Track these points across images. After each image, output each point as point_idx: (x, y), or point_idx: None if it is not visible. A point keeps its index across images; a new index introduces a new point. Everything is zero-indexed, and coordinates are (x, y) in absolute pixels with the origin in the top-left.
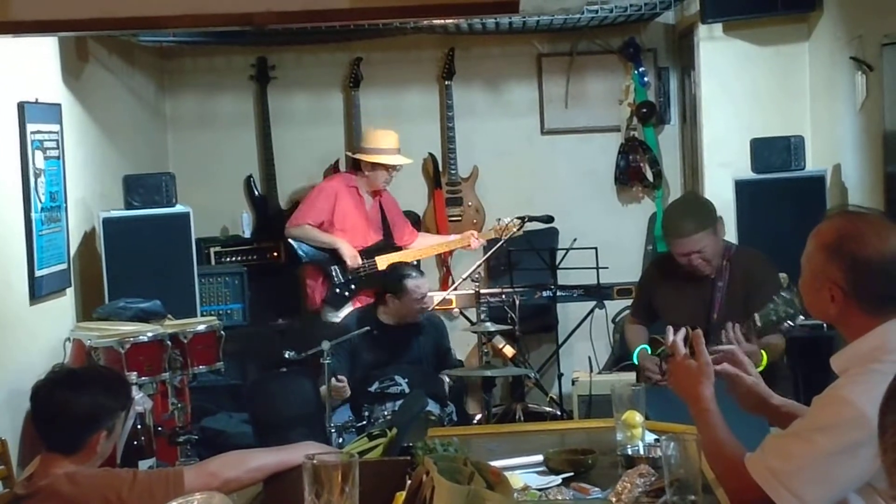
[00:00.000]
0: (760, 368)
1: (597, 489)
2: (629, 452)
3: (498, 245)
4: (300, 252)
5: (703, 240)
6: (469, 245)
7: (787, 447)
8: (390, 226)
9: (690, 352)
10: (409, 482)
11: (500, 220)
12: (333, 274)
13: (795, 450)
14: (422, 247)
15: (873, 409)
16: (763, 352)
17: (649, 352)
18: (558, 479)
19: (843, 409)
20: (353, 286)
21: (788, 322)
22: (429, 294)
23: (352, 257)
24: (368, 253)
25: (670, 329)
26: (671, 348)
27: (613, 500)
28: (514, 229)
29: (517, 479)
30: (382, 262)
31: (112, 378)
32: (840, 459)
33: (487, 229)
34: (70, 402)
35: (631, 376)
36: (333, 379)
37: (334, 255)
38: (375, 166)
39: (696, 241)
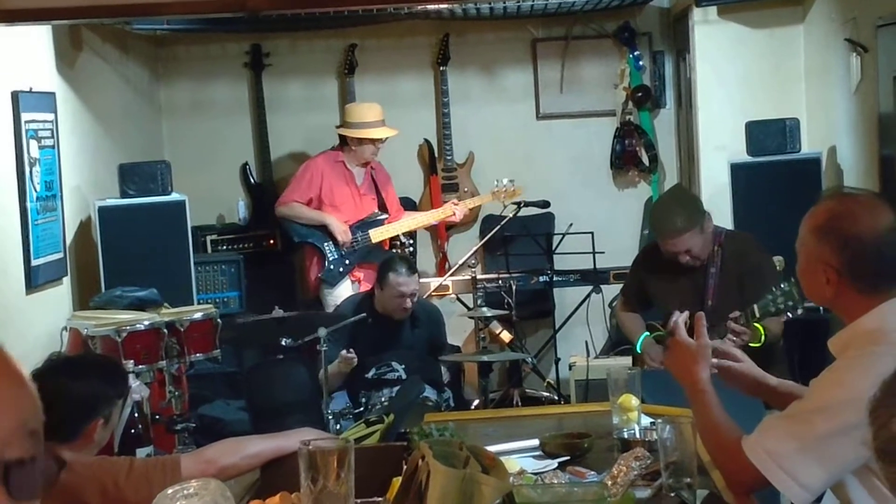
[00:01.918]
0: (758, 344)
1: (593, 473)
2: (625, 436)
3: (503, 222)
4: (292, 232)
5: (690, 239)
6: (454, 215)
7: (785, 429)
8: (384, 198)
9: (690, 334)
10: (405, 467)
11: (498, 181)
12: (327, 250)
13: (792, 431)
14: (410, 221)
15: (871, 391)
16: (759, 327)
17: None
18: (554, 464)
19: (840, 390)
20: (347, 261)
21: (788, 314)
22: (413, 294)
23: (342, 232)
24: (362, 226)
25: (676, 313)
26: (673, 329)
27: (609, 483)
28: (513, 194)
29: (514, 464)
30: (376, 234)
31: (109, 366)
32: (837, 441)
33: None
34: (67, 390)
35: (628, 361)
36: (344, 351)
37: (326, 232)
38: (362, 140)
39: (683, 240)
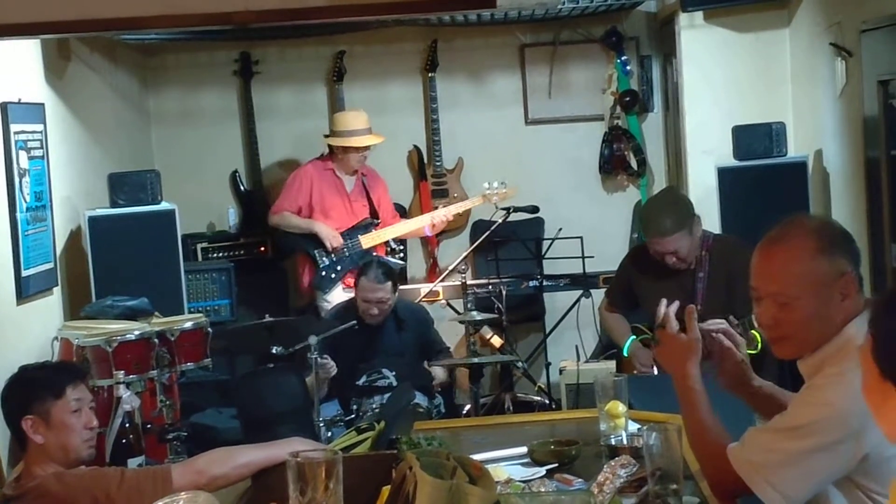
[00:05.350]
0: (755, 351)
1: (580, 480)
2: (612, 442)
3: (492, 227)
4: (285, 240)
5: (679, 240)
6: (433, 225)
7: (769, 443)
8: (376, 205)
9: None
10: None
11: (489, 183)
12: (318, 257)
13: (777, 446)
14: (401, 226)
15: (852, 408)
16: (756, 333)
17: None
18: (542, 471)
19: (824, 409)
20: (338, 267)
21: None
22: (381, 302)
23: (331, 238)
24: (353, 232)
25: (664, 301)
26: (664, 320)
27: (595, 491)
28: (505, 195)
29: (501, 472)
30: (367, 240)
31: (49, 368)
32: (820, 456)
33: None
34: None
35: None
36: (318, 357)
37: (317, 239)
38: (346, 149)
39: (672, 241)
